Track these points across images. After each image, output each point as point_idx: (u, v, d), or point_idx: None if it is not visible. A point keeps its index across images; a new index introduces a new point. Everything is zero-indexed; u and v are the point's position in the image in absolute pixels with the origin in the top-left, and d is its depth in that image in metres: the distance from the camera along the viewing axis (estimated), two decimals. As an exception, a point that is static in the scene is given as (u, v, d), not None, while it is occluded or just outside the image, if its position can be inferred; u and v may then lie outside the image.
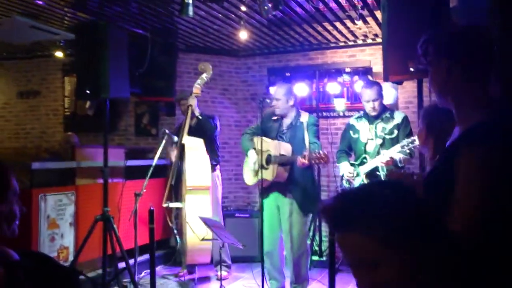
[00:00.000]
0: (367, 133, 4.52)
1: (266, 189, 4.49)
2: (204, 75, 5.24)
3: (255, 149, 4.52)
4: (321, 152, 4.12)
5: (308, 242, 4.78)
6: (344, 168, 4.60)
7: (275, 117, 4.59)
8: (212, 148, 5.34)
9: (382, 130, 4.45)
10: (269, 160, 4.42)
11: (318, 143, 4.46)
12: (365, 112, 4.60)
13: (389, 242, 1.01)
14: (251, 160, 4.60)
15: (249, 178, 4.70)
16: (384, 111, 4.52)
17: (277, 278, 4.59)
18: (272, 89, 5.95)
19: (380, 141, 4.43)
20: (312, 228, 5.88)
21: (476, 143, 1.40)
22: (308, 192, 4.43)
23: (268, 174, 4.41)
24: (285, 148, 4.39)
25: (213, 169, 5.36)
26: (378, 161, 4.28)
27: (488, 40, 1.55)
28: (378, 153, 4.38)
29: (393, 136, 4.41)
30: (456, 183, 1.39)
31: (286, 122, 4.55)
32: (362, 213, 1.03)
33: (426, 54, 1.59)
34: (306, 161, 4.12)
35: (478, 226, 1.32)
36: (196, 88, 5.22)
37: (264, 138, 4.47)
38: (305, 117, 4.51)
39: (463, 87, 1.53)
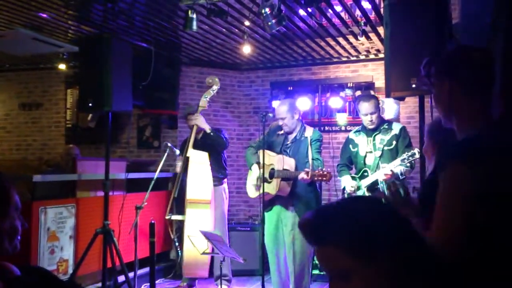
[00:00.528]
0: (366, 147, 4.55)
1: (268, 202, 4.53)
2: (211, 89, 5.22)
3: (258, 163, 4.55)
4: (323, 170, 4.20)
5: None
6: (346, 182, 4.61)
7: (280, 132, 4.64)
8: (219, 162, 5.33)
9: (380, 142, 4.48)
10: (272, 174, 4.46)
11: (321, 160, 4.51)
12: (363, 126, 4.64)
13: (357, 254, 1.03)
14: (255, 174, 4.64)
15: (252, 192, 4.75)
16: (382, 123, 4.57)
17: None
18: (275, 105, 6.00)
19: (379, 153, 4.46)
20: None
21: (455, 157, 1.42)
22: (311, 207, 4.42)
23: (271, 188, 4.46)
24: (289, 163, 4.44)
25: (220, 183, 5.35)
26: (380, 175, 4.28)
27: (487, 59, 1.58)
28: (378, 165, 4.40)
29: (392, 147, 4.44)
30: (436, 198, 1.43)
31: (291, 136, 4.61)
32: (332, 227, 1.07)
33: (429, 76, 1.63)
34: (308, 178, 4.18)
35: (446, 238, 1.35)
36: (203, 102, 5.20)
37: (268, 151, 4.53)
38: (309, 132, 4.57)
39: (464, 107, 1.56)
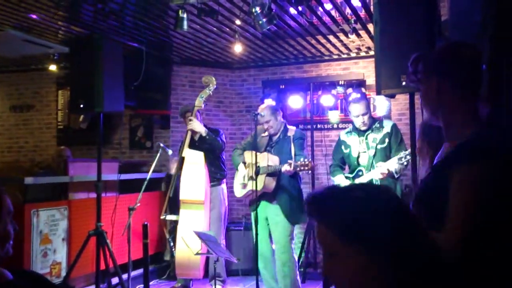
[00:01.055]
0: (358, 147, 4.59)
1: (256, 200, 4.64)
2: (207, 89, 5.19)
3: (244, 163, 4.82)
4: (305, 160, 4.35)
5: (297, 252, 4.90)
6: (340, 181, 4.64)
7: (264, 134, 4.82)
8: (217, 163, 5.32)
9: (373, 141, 4.51)
10: (258, 171, 4.61)
11: (304, 155, 4.63)
12: (354, 126, 4.67)
13: (343, 238, 1.09)
14: (241, 173, 4.82)
15: (239, 191, 4.91)
16: (373, 122, 4.61)
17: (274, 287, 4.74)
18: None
19: (372, 151, 4.49)
20: (306, 240, 5.88)
21: (466, 160, 1.40)
22: (293, 200, 4.63)
23: (258, 184, 4.60)
24: (273, 160, 4.62)
25: (218, 183, 5.33)
26: (377, 174, 4.29)
27: (476, 56, 1.56)
28: (372, 164, 4.43)
29: (385, 145, 4.48)
30: (449, 200, 1.40)
31: (275, 137, 4.81)
32: (326, 208, 1.13)
33: (416, 72, 1.62)
34: (291, 169, 4.35)
35: (463, 240, 1.34)
36: (199, 101, 5.17)
37: (253, 152, 4.66)
38: (291, 132, 4.77)
39: (453, 104, 1.54)
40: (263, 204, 4.69)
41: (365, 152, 4.54)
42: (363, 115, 4.50)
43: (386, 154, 4.44)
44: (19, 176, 5.75)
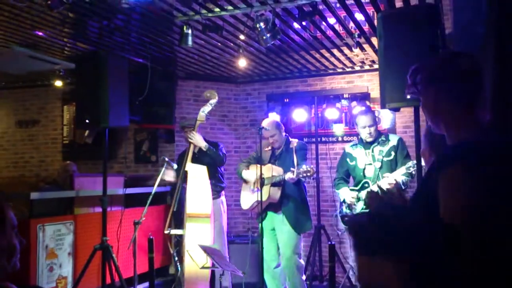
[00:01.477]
0: (364, 159, 4.61)
1: (262, 211, 4.73)
2: (210, 103, 5.22)
3: (248, 167, 5.01)
4: (307, 166, 4.43)
5: (302, 261, 4.91)
6: (345, 194, 4.65)
7: (268, 148, 4.94)
8: (216, 175, 5.33)
9: (379, 153, 4.54)
10: (262, 182, 4.71)
11: (305, 164, 4.67)
12: (360, 139, 4.71)
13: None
14: (249, 176, 4.94)
15: (245, 203, 5.00)
16: (379, 136, 4.64)
17: None
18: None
19: (378, 164, 4.52)
20: (312, 253, 5.85)
21: (453, 162, 1.42)
22: (298, 209, 4.72)
23: (263, 195, 4.70)
24: (277, 170, 4.73)
25: (218, 195, 5.34)
26: (384, 185, 4.29)
27: (473, 65, 1.58)
28: (378, 176, 4.45)
29: (391, 158, 4.50)
30: (439, 202, 1.42)
31: (278, 150, 4.91)
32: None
33: (416, 84, 1.64)
34: (294, 176, 4.45)
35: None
36: (201, 116, 5.20)
37: (257, 165, 4.78)
38: (293, 143, 4.86)
39: (450, 111, 1.57)
40: (270, 214, 4.80)
41: (371, 164, 4.56)
42: (369, 126, 4.54)
43: (392, 167, 4.46)
44: (24, 191, 5.78)
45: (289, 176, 4.50)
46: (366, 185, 4.52)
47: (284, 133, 4.93)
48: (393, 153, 4.51)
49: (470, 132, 1.53)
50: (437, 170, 1.47)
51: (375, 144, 4.57)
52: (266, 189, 4.70)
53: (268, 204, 4.73)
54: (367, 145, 4.61)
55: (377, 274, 1.10)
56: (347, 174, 4.81)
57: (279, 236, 4.77)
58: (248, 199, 4.96)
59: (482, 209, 1.36)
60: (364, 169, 4.59)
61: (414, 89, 1.66)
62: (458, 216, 1.36)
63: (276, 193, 4.70)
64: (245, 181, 5.07)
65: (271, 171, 4.73)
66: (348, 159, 4.73)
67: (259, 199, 4.60)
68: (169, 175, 5.32)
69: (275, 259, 4.82)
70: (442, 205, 1.41)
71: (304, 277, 4.84)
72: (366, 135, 4.57)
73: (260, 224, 4.68)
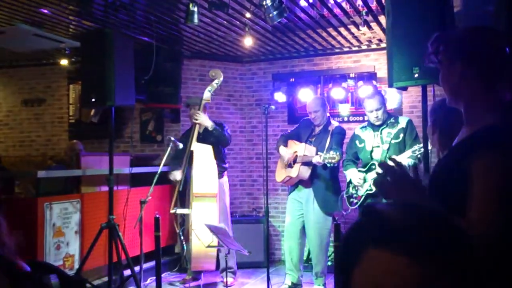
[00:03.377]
0: (372, 141, 4.60)
1: (291, 186, 5.13)
2: (215, 82, 5.23)
3: (286, 146, 5.17)
4: (333, 153, 4.49)
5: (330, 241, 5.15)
6: (353, 175, 4.66)
7: (312, 126, 5.10)
8: (219, 155, 5.34)
9: (387, 135, 4.53)
10: (295, 160, 4.92)
11: (339, 150, 4.71)
12: (369, 121, 4.70)
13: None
14: (284, 152, 5.12)
15: (279, 175, 5.19)
16: (389, 118, 4.62)
17: (294, 271, 5.03)
18: (277, 96, 6.35)
19: (386, 146, 4.51)
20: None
21: (491, 146, 1.37)
22: (328, 189, 4.90)
23: (294, 172, 4.94)
24: (310, 150, 4.87)
25: (221, 176, 5.36)
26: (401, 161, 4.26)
27: (501, 41, 1.50)
28: (385, 158, 4.41)
29: (399, 140, 4.48)
30: (471, 186, 1.37)
31: (318, 129, 5.05)
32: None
33: (437, 53, 1.55)
34: (320, 160, 4.57)
35: (495, 231, 1.31)
36: (207, 95, 5.21)
37: (295, 141, 5.09)
38: (332, 126, 4.98)
39: (476, 91, 1.49)
40: (299, 188, 5.04)
41: (378, 146, 4.56)
42: (376, 110, 4.53)
43: (400, 150, 4.44)
44: (31, 170, 5.81)
45: (316, 159, 4.65)
46: (373, 167, 4.51)
47: (328, 114, 5.09)
48: (401, 135, 4.49)
49: (497, 115, 1.45)
50: (468, 152, 1.40)
51: (384, 126, 4.57)
52: (297, 166, 4.89)
53: (299, 180, 4.97)
54: (375, 127, 4.61)
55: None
56: (356, 156, 4.81)
57: (306, 215, 4.97)
58: (281, 173, 5.15)
59: None
60: (371, 151, 4.59)
61: (435, 58, 1.56)
62: (495, 204, 1.32)
63: (306, 172, 4.86)
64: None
65: (304, 150, 4.88)
66: (357, 141, 4.74)
67: (291, 175, 4.91)
68: (177, 175, 5.32)
69: (297, 232, 5.06)
70: (477, 189, 1.35)
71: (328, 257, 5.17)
72: (374, 119, 4.57)
73: (288, 196, 5.09)
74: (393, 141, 4.49)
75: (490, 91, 1.48)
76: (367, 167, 4.58)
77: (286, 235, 5.16)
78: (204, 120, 5.14)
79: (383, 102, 4.60)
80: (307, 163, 4.83)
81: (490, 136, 1.41)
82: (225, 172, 5.52)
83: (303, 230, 5.05)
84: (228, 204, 5.50)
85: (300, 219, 5.04)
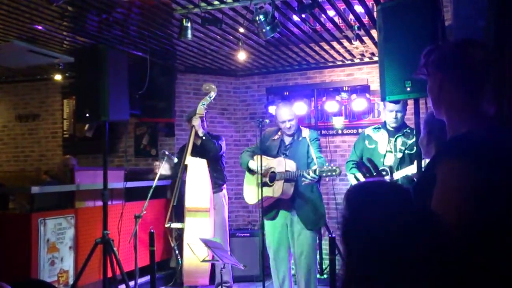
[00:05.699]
0: (386, 145, 4.38)
1: (269, 208, 4.51)
2: (208, 96, 5.25)
3: (252, 157, 4.65)
4: (331, 165, 4.15)
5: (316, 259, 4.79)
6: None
7: (275, 136, 4.65)
8: (217, 168, 5.34)
9: (402, 144, 4.32)
10: (273, 177, 4.45)
11: (323, 158, 4.50)
12: (384, 123, 4.51)
13: None
14: (254, 165, 4.59)
15: (251, 197, 4.71)
16: (405, 126, 4.42)
17: None
18: (272, 110, 6.07)
19: (400, 155, 4.30)
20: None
21: (452, 153, 1.43)
22: (313, 207, 4.44)
23: (273, 191, 4.44)
24: (290, 165, 4.40)
25: (220, 189, 5.36)
26: (410, 171, 4.11)
27: (483, 55, 1.53)
28: (398, 167, 4.26)
29: (413, 152, 4.24)
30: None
31: (288, 139, 4.61)
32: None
33: (427, 65, 1.61)
34: (315, 176, 4.13)
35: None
36: (200, 109, 5.23)
37: (264, 156, 4.53)
38: (306, 133, 4.56)
39: (453, 101, 1.55)
40: (283, 214, 4.52)
41: (391, 152, 4.35)
42: (397, 111, 4.30)
43: (411, 161, 4.21)
44: (25, 185, 5.79)
45: (312, 176, 4.13)
46: (384, 173, 4.36)
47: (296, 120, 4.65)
48: (415, 148, 4.34)
49: (474, 124, 1.50)
50: (435, 161, 1.47)
51: (400, 134, 4.34)
52: (279, 184, 4.38)
53: (277, 200, 4.45)
54: (391, 132, 4.39)
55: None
56: (361, 157, 4.50)
57: (295, 236, 4.47)
58: (253, 193, 4.63)
59: (477, 205, 1.35)
60: (384, 155, 4.35)
61: (425, 70, 1.62)
62: (452, 211, 1.36)
63: (290, 189, 4.36)
64: (250, 172, 4.73)
65: (284, 165, 4.39)
66: (367, 141, 4.49)
67: (273, 194, 4.38)
68: (164, 169, 5.34)
69: (284, 256, 4.60)
70: (434, 197, 1.41)
71: (317, 276, 4.65)
72: (392, 119, 4.34)
73: (269, 222, 4.52)
74: (407, 152, 4.27)
75: (467, 104, 1.52)
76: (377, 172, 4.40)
77: (276, 264, 4.61)
78: (198, 123, 5.18)
79: (405, 107, 4.39)
80: (290, 180, 4.35)
81: (454, 144, 1.47)
82: (224, 186, 5.50)
83: (289, 251, 4.60)
84: (227, 217, 5.48)
85: (285, 243, 4.58)
